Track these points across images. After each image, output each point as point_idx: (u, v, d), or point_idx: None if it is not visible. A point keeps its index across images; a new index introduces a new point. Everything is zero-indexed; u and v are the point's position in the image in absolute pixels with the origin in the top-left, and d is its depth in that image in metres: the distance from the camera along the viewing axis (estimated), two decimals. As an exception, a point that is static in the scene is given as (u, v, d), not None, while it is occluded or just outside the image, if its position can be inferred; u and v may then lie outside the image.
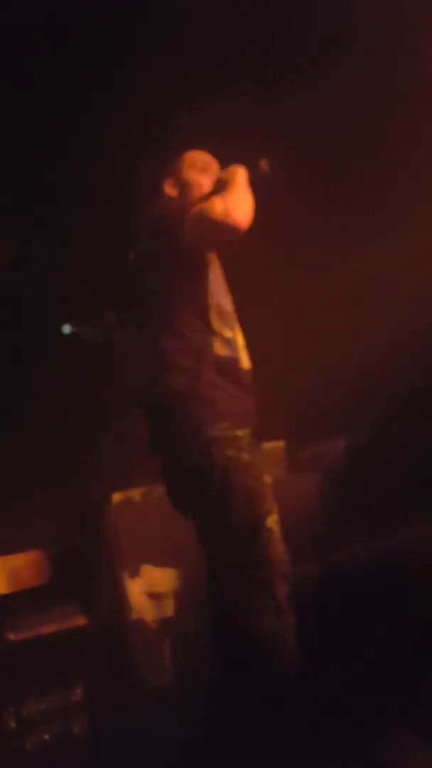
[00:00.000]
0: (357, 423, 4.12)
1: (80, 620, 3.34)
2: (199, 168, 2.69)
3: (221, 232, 2.43)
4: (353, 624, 2.96)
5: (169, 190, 2.68)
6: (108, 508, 3.79)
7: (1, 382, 4.45)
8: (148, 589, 3.59)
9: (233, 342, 2.55)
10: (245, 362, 2.60)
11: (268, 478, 2.51)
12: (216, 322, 2.52)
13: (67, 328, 4.90)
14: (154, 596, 3.58)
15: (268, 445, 4.03)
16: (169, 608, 3.57)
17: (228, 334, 2.54)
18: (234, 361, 2.54)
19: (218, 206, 2.41)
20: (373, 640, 2.85)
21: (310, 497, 3.79)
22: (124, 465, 4.83)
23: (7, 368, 4.50)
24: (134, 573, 3.60)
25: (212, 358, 2.49)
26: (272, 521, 2.44)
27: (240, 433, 2.44)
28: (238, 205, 2.44)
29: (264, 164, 2.64)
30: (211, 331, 2.51)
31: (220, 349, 2.51)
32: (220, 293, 2.57)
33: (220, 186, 2.56)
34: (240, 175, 2.57)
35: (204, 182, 2.64)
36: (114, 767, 2.99)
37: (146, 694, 3.38)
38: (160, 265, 2.52)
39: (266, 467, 2.55)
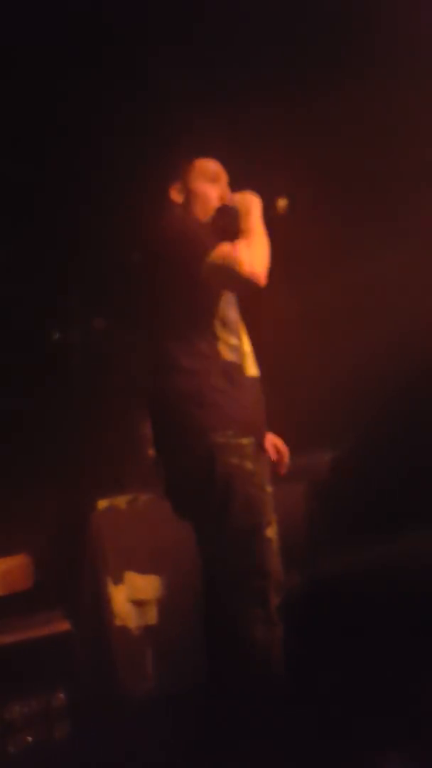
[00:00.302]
0: (343, 434, 4.15)
1: (64, 625, 3.34)
2: (208, 178, 2.66)
3: (242, 285, 2.44)
4: (338, 636, 2.99)
5: (176, 196, 2.66)
6: (93, 514, 3.81)
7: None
8: (132, 596, 3.61)
9: (239, 349, 2.56)
10: (252, 370, 2.60)
11: (270, 488, 2.54)
12: (221, 330, 2.53)
13: (55, 333, 4.90)
14: (138, 603, 3.60)
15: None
16: (152, 616, 3.59)
17: (233, 341, 2.55)
18: (240, 368, 2.54)
19: (245, 259, 2.38)
20: (359, 652, 2.89)
21: (294, 509, 3.81)
22: (110, 472, 4.85)
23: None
24: (118, 580, 3.62)
25: (218, 363, 2.50)
26: (271, 532, 2.46)
27: (245, 441, 2.45)
28: (261, 257, 2.43)
29: (282, 204, 2.63)
30: (216, 337, 2.52)
31: (226, 354, 2.52)
32: (225, 304, 2.57)
33: (231, 217, 2.54)
34: (256, 208, 2.54)
35: (211, 193, 2.63)
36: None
37: (128, 700, 3.40)
38: (169, 279, 2.51)
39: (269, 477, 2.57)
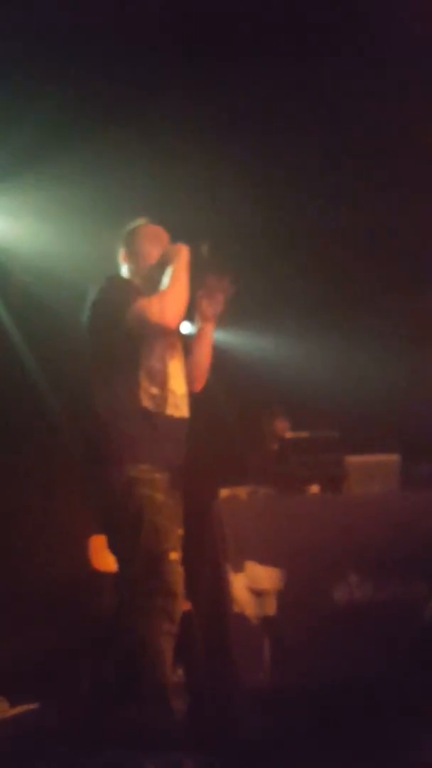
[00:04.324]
0: None
1: (186, 605, 3.36)
2: (150, 240, 3.10)
3: (154, 329, 2.90)
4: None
5: (123, 258, 3.12)
6: (215, 501, 3.83)
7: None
8: (251, 584, 3.58)
9: (159, 397, 2.91)
10: (176, 411, 2.96)
11: (179, 518, 2.94)
12: (144, 379, 2.90)
13: None
14: (257, 593, 3.58)
15: (380, 458, 4.03)
16: (271, 607, 3.56)
17: (155, 390, 2.91)
18: (158, 413, 2.90)
19: (155, 308, 2.86)
20: None
21: (425, 515, 3.74)
22: (232, 463, 4.88)
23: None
24: (238, 568, 3.60)
25: (137, 408, 2.87)
26: (175, 555, 2.82)
27: (158, 475, 2.84)
28: (172, 304, 2.90)
29: (204, 249, 3.04)
30: (138, 385, 2.89)
31: (145, 401, 2.89)
32: (151, 356, 2.94)
33: (163, 264, 2.99)
34: (182, 259, 2.98)
35: (153, 253, 3.07)
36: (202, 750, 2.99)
37: (241, 687, 3.38)
38: (103, 330, 2.91)
39: (178, 514, 2.94)
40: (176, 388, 2.99)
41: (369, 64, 4.11)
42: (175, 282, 2.93)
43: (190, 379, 3.13)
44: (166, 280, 2.95)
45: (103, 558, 3.67)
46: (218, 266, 3.11)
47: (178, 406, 2.98)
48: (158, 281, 2.98)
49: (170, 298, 2.90)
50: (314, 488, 4.10)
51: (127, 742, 2.67)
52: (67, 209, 4.67)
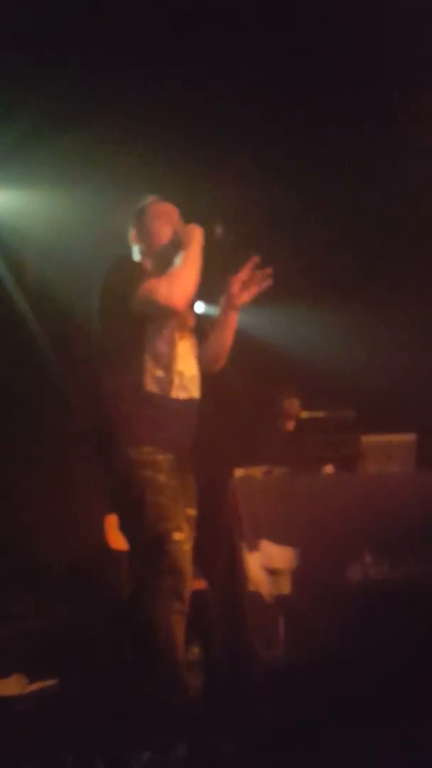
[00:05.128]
0: None
1: (200, 583, 3.38)
2: (160, 218, 3.04)
3: (162, 311, 2.87)
4: None
5: (134, 238, 3.07)
6: (230, 481, 3.84)
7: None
8: (266, 564, 3.60)
9: (164, 380, 2.89)
10: (182, 393, 2.92)
11: (186, 499, 2.92)
12: (149, 363, 2.89)
13: None
14: (272, 571, 3.59)
15: (396, 437, 4.02)
16: (285, 585, 3.57)
17: (160, 373, 2.89)
18: (163, 397, 2.88)
19: (163, 290, 2.82)
20: None
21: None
22: (246, 443, 4.89)
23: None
24: (253, 546, 3.62)
25: (141, 392, 2.87)
26: (179, 536, 2.80)
27: (160, 457, 2.83)
28: (181, 286, 2.86)
29: (218, 230, 3.01)
30: (143, 369, 2.88)
31: (150, 386, 2.88)
32: (157, 338, 2.91)
33: (175, 244, 2.95)
34: (196, 241, 2.93)
35: (164, 231, 3.02)
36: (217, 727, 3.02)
37: (256, 665, 3.41)
38: (110, 312, 2.91)
39: (185, 495, 2.92)
40: (185, 369, 2.96)
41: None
42: (186, 264, 2.89)
43: (207, 361, 3.10)
44: (178, 262, 2.92)
45: (119, 537, 3.70)
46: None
47: (186, 387, 2.95)
48: (170, 262, 2.94)
49: (180, 281, 2.87)
50: (329, 468, 4.10)
51: (140, 720, 2.70)
52: (80, 189, 4.66)
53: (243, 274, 3.02)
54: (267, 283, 3.03)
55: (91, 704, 3.20)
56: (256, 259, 3.02)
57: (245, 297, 3.05)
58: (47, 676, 3.57)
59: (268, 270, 3.01)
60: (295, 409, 4.88)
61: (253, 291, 3.04)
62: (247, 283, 3.04)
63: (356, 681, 3.20)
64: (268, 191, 4.74)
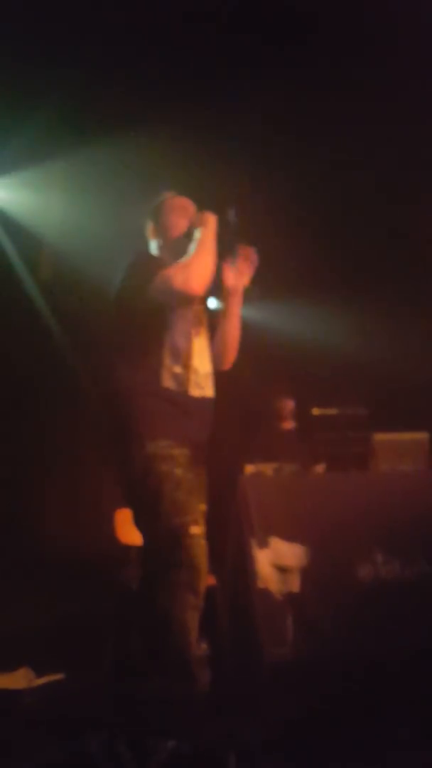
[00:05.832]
0: None
1: (210, 579, 3.37)
2: (177, 212, 3.06)
3: (179, 298, 2.88)
4: None
5: (151, 233, 3.10)
6: (241, 477, 3.83)
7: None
8: (276, 561, 3.59)
9: (182, 376, 2.90)
10: (197, 391, 2.93)
11: (201, 494, 2.92)
12: (168, 358, 2.90)
13: None
14: (281, 569, 3.58)
15: (409, 435, 3.99)
16: (294, 583, 3.57)
17: (177, 369, 2.90)
18: (179, 394, 2.89)
19: (179, 276, 2.83)
20: None
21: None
22: (256, 440, 4.87)
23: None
24: (263, 543, 3.61)
25: (158, 388, 2.88)
26: (197, 530, 2.79)
27: (177, 452, 2.83)
28: (197, 272, 2.86)
29: (231, 214, 3.01)
30: (161, 365, 2.89)
31: (167, 382, 2.89)
32: (176, 334, 2.92)
33: (190, 234, 2.96)
34: (209, 227, 2.95)
35: (181, 225, 3.04)
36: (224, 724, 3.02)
37: (263, 662, 3.40)
38: (129, 305, 2.91)
39: (200, 490, 2.91)
40: (199, 367, 2.96)
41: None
42: (201, 250, 2.90)
43: (217, 358, 3.09)
44: (192, 249, 2.92)
45: (129, 531, 3.70)
46: (245, 233, 3.05)
47: (201, 385, 2.95)
48: (185, 253, 2.93)
49: (195, 266, 2.86)
50: (320, 468, 4.10)
51: (150, 714, 2.69)
52: (98, 184, 4.65)
53: (235, 261, 3.06)
54: (255, 262, 3.06)
55: (99, 698, 3.20)
56: (246, 250, 3.06)
57: (240, 277, 3.07)
58: (54, 670, 3.58)
59: (252, 249, 3.05)
60: (288, 410, 4.85)
61: (246, 269, 3.07)
62: (238, 263, 3.06)
63: (364, 679, 3.20)
64: (272, 190, 4.71)
